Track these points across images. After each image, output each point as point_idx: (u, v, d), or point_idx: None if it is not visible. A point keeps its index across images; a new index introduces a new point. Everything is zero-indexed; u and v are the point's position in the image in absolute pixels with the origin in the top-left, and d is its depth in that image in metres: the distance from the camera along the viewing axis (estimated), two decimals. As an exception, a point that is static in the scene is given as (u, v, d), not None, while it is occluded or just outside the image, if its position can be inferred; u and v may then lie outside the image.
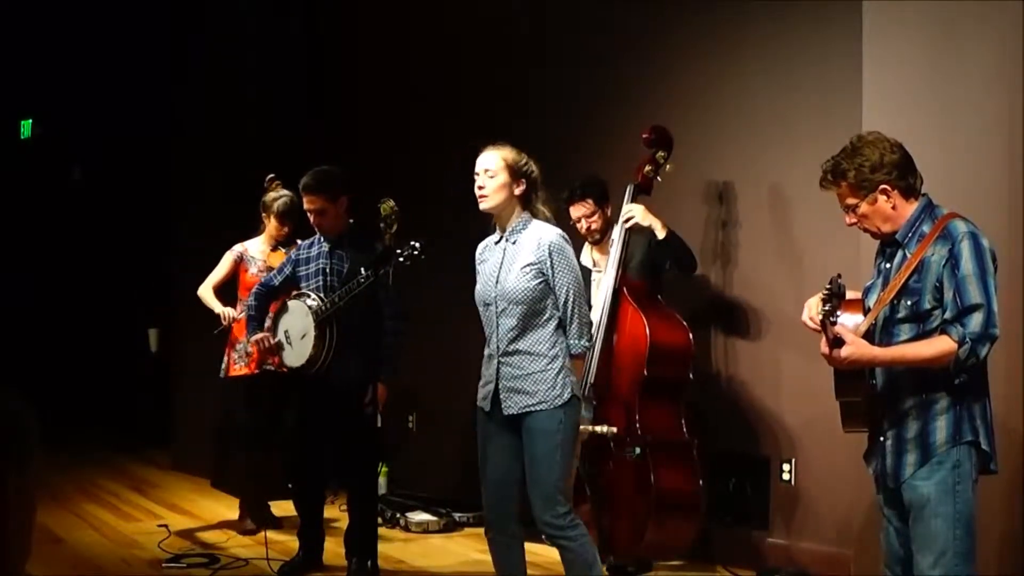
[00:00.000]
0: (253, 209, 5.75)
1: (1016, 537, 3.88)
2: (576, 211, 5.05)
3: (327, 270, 4.85)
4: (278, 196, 5.58)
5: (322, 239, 4.92)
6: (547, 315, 3.68)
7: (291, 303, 4.88)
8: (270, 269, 5.46)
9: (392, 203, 4.62)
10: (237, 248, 5.71)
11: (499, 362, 3.72)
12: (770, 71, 5.15)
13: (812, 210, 5.00)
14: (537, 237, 3.70)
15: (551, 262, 3.66)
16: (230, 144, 7.43)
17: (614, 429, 4.68)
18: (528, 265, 3.67)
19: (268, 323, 5.04)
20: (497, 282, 3.72)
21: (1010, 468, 3.68)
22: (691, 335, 4.87)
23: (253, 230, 5.79)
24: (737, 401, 5.24)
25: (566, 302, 3.68)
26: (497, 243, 3.82)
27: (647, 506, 4.72)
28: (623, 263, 4.92)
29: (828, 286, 3.07)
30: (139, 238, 9.56)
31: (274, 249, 5.68)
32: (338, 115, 7.51)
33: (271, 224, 5.62)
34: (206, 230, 7.64)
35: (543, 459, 3.65)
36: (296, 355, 4.82)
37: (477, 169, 3.77)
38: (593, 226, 5.05)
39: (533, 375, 3.66)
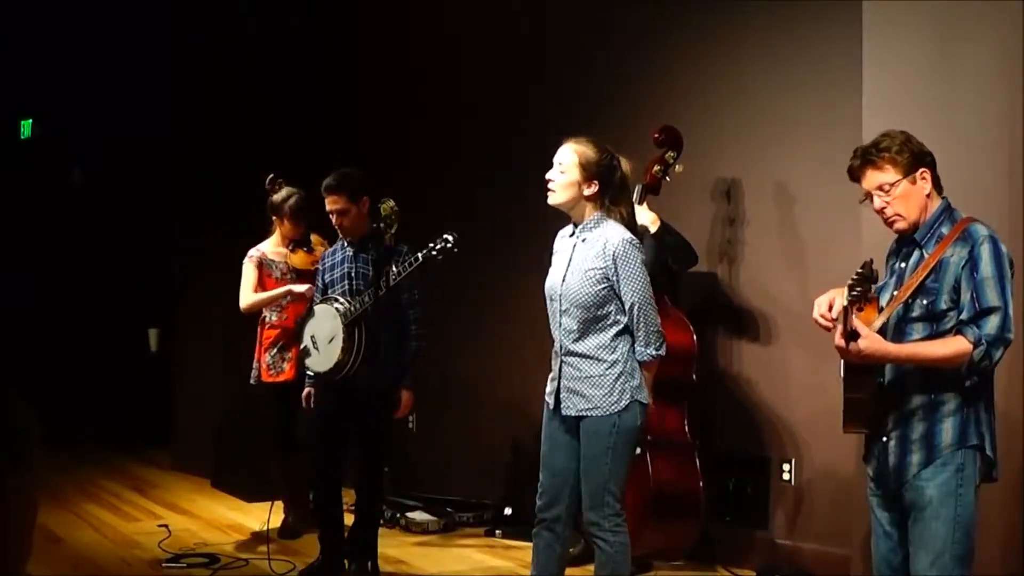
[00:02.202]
0: (253, 209, 5.72)
1: (1016, 538, 3.88)
2: None
3: (352, 274, 4.81)
4: (289, 195, 5.46)
5: (345, 244, 4.89)
6: (610, 320, 3.62)
7: (317, 308, 4.83)
8: (293, 270, 5.44)
9: (392, 203, 4.62)
10: (253, 253, 5.52)
11: (562, 360, 3.69)
12: (770, 71, 5.15)
13: (814, 208, 5.01)
14: (604, 240, 3.61)
15: (616, 268, 3.58)
16: (230, 144, 7.42)
17: None
18: (593, 269, 3.60)
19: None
20: (564, 280, 3.67)
21: (1011, 469, 3.68)
22: (695, 336, 4.86)
23: (252, 229, 5.73)
24: (737, 401, 5.24)
25: (631, 308, 3.60)
26: (571, 236, 3.74)
27: (645, 505, 4.71)
28: None
29: (860, 269, 3.01)
30: (139, 238, 9.56)
31: (293, 250, 5.56)
32: (338, 115, 7.51)
33: (285, 225, 5.49)
34: (206, 230, 7.65)
35: (593, 460, 3.64)
36: (323, 360, 4.75)
37: (553, 162, 3.70)
38: None
39: (592, 379, 3.62)
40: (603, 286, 3.60)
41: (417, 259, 4.43)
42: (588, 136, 3.77)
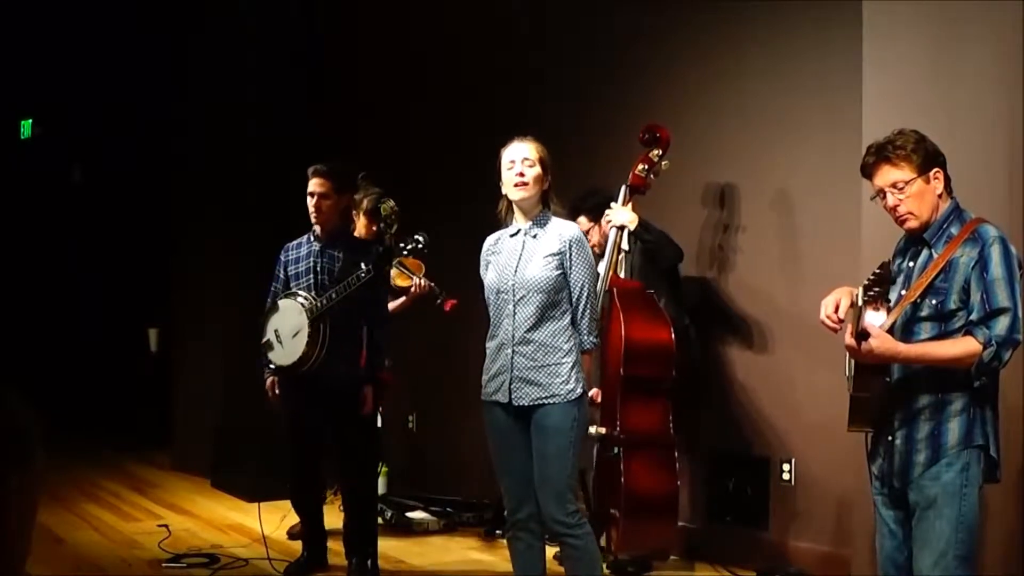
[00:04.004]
0: (253, 208, 5.72)
1: (1018, 538, 3.88)
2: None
3: (318, 268, 4.85)
4: (366, 194, 5.48)
5: (311, 238, 4.93)
6: (563, 308, 3.67)
7: (282, 302, 4.86)
8: None
9: (392, 203, 4.63)
10: None
11: (513, 351, 3.67)
12: (770, 71, 5.15)
13: (813, 210, 5.00)
14: (559, 231, 3.71)
15: (571, 254, 3.67)
16: (230, 144, 7.43)
17: (603, 430, 4.68)
18: (550, 255, 3.67)
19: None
20: (516, 271, 3.70)
21: (1013, 469, 3.68)
22: (673, 334, 4.74)
23: (252, 229, 5.73)
24: (737, 401, 5.24)
25: (579, 297, 3.68)
26: (513, 236, 3.79)
27: (618, 505, 4.67)
28: (630, 265, 4.91)
29: (878, 270, 3.01)
30: (139, 238, 9.57)
31: None
32: (338, 115, 7.52)
33: (360, 222, 5.51)
34: (206, 230, 7.66)
35: (556, 457, 3.61)
36: (287, 354, 4.78)
37: (513, 157, 3.74)
38: (591, 241, 5.02)
39: (547, 367, 3.63)
40: (559, 272, 3.67)
41: (376, 270, 4.45)
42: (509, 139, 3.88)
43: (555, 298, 3.65)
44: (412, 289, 5.33)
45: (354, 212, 5.56)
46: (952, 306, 3.00)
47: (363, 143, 7.16)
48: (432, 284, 5.30)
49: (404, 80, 7.08)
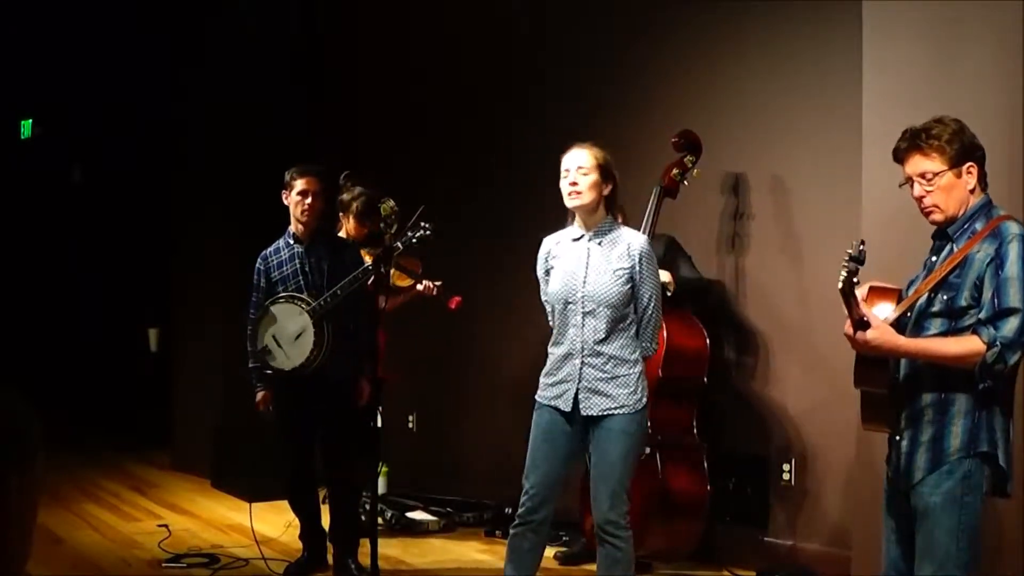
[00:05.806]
0: (252, 208, 5.71)
1: (1018, 539, 3.87)
2: None
3: (306, 269, 4.84)
4: (355, 196, 5.46)
5: (291, 242, 4.91)
6: (629, 319, 3.72)
7: (275, 308, 4.80)
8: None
9: (392, 203, 4.62)
10: None
11: (583, 362, 3.70)
12: (770, 71, 5.15)
13: (813, 212, 5.00)
14: (627, 242, 3.73)
15: (640, 267, 3.69)
16: (230, 144, 7.43)
17: None
18: (620, 269, 3.69)
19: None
20: (585, 282, 3.70)
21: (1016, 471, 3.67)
22: (708, 340, 4.89)
23: (252, 229, 5.72)
24: (738, 401, 5.24)
25: (647, 307, 3.72)
26: (576, 240, 3.78)
27: (651, 505, 4.72)
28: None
29: (849, 251, 2.88)
30: (139, 238, 9.57)
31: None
32: (338, 115, 7.51)
33: (350, 224, 5.48)
34: (206, 230, 7.65)
35: (619, 460, 3.67)
36: (292, 357, 4.75)
37: (568, 165, 3.73)
38: None
39: (617, 379, 3.68)
40: (629, 286, 3.69)
41: (397, 248, 4.47)
42: (590, 141, 3.83)
43: (624, 312, 3.70)
44: (420, 289, 5.34)
45: (342, 214, 5.56)
46: (963, 303, 2.90)
47: (363, 143, 7.16)
48: (437, 284, 5.30)
49: (404, 80, 7.08)
